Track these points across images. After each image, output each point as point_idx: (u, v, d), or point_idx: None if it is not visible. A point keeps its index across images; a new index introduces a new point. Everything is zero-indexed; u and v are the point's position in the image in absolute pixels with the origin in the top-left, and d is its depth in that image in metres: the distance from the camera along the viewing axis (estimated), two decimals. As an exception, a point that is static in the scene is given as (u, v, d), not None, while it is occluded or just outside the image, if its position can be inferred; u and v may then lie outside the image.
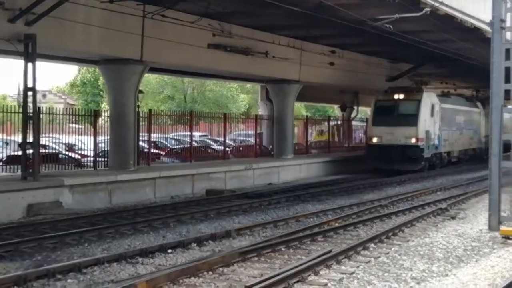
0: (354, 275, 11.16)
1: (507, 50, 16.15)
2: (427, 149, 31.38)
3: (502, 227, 15.40)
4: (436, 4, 19.20)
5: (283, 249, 13.25)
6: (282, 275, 10.42)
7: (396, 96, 32.79)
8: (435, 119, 33.91)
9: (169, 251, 13.00)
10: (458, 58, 33.47)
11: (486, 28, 17.00)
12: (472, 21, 20.05)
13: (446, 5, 19.44)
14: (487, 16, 16.83)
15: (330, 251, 12.55)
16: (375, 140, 32.35)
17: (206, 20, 22.94)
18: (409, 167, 30.54)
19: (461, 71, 43.26)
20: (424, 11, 19.17)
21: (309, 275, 10.92)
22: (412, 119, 31.54)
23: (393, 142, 30.91)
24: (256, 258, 12.38)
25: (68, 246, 13.52)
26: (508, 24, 16.35)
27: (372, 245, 13.73)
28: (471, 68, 38.37)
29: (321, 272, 11.21)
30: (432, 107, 33.43)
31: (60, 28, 18.22)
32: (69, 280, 10.65)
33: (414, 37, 25.00)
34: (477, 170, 36.59)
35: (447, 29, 23.82)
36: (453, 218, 18.07)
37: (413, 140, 30.65)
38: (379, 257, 12.67)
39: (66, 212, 18.03)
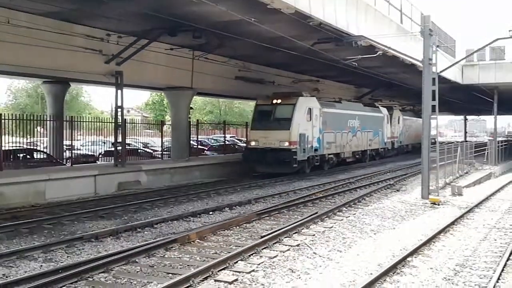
0: (332, 228, 11.22)
1: (433, 79, 16.25)
2: (301, 152, 21.48)
3: (430, 197, 15.47)
4: (386, 49, 19.13)
5: (285, 211, 13.28)
6: (285, 229, 10.51)
7: (274, 101, 22.64)
8: (313, 122, 22.90)
9: (210, 213, 13.08)
10: (401, 84, 32.62)
11: (419, 64, 16.94)
12: (410, 59, 19.92)
13: (392, 49, 19.34)
14: (420, 56, 16.76)
15: (316, 213, 12.59)
16: (253, 143, 22.22)
17: (234, 60, 23.07)
18: (282, 169, 21.32)
19: (403, 93, 39.09)
20: (377, 53, 19.11)
21: (303, 228, 11.00)
22: (285, 123, 21.62)
23: (268, 146, 21.39)
24: (267, 217, 12.44)
25: (144, 210, 13.58)
26: (433, 61, 16.36)
27: (344, 208, 13.73)
28: (409, 91, 33.80)
29: (310, 227, 11.29)
30: (310, 111, 22.68)
31: (138, 67, 18.28)
32: (145, 232, 10.78)
33: (371, 70, 24.82)
34: (412, 159, 32.46)
35: (393, 65, 23.70)
36: (397, 190, 18.02)
37: (286, 144, 21.16)
38: (349, 216, 12.69)
39: (143, 188, 18.15)
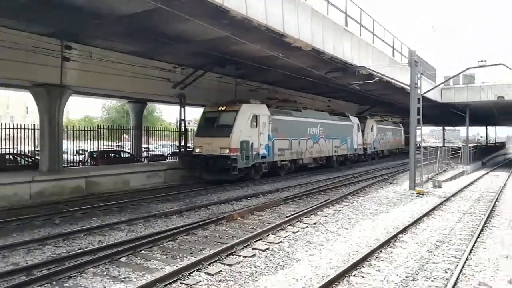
0: (340, 211, 11.04)
1: (418, 99, 15.84)
2: (242, 160, 15.98)
3: (416, 188, 15.05)
4: (381, 76, 18.77)
5: (304, 198, 13.14)
6: (305, 211, 10.42)
7: (220, 108, 17.11)
8: (261, 129, 17.13)
9: (249, 198, 13.04)
10: (393, 103, 32.07)
11: (407, 87, 16.54)
12: (400, 84, 19.48)
13: (386, 76, 18.97)
14: (408, 81, 16.38)
15: (328, 199, 12.43)
16: (197, 150, 16.73)
17: (266, 85, 23.00)
18: (223, 176, 15.86)
19: (395, 109, 37.59)
20: (374, 80, 18.76)
21: (318, 211, 10.86)
22: (227, 130, 16.13)
23: (210, 153, 16.04)
24: (291, 202, 12.33)
25: (200, 195, 13.59)
26: (418, 85, 15.97)
27: (350, 196, 13.51)
28: (400, 108, 32.14)
29: (324, 210, 11.13)
30: (256, 118, 16.99)
31: (196, 90, 18.40)
32: (201, 212, 10.82)
33: (370, 92, 24.34)
34: (402, 159, 30.93)
35: (387, 88, 23.13)
36: (391, 183, 17.61)
37: (227, 151, 15.78)
38: (353, 202, 12.45)
39: (199, 179, 18.08)
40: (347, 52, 17.47)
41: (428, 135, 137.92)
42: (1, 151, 16.51)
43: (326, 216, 10.35)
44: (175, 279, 5.84)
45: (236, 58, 15.76)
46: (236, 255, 7.03)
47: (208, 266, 6.41)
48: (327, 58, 16.29)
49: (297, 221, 9.55)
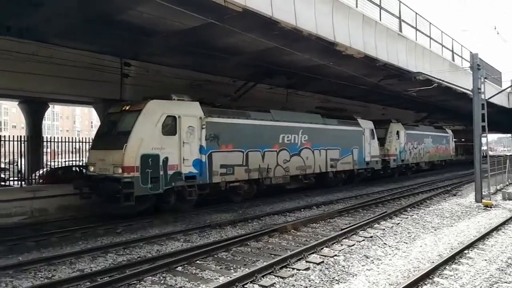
0: (399, 224, 10.58)
1: (482, 104, 14.88)
2: (144, 183, 10.35)
3: (483, 201, 14.05)
4: (440, 82, 17.94)
5: (360, 210, 12.76)
6: (360, 224, 10.10)
7: (124, 107, 11.54)
8: (186, 138, 11.48)
9: (302, 210, 12.87)
10: (453, 109, 30.37)
11: (470, 93, 15.62)
12: (462, 89, 18.47)
13: (446, 82, 18.08)
14: (470, 86, 15.51)
15: (385, 212, 11.99)
16: (91, 169, 11.11)
17: (317, 95, 22.87)
18: (117, 209, 10.59)
19: (456, 116, 35.01)
20: (433, 85, 17.96)
21: (375, 224, 10.49)
22: (122, 140, 10.45)
23: (103, 172, 10.63)
24: (346, 215, 12.03)
25: (254, 206, 13.49)
26: (482, 90, 15.05)
27: (409, 209, 12.93)
28: (461, 114, 29.69)
29: (381, 223, 10.73)
30: (173, 120, 11.30)
31: (247, 102, 18.62)
32: (254, 223, 10.87)
33: (428, 99, 23.33)
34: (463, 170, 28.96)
35: (446, 94, 22.07)
36: (454, 195, 16.63)
37: (119, 170, 10.15)
38: (413, 215, 11.88)
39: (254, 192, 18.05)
40: (402, 58, 16.94)
41: (496, 143, 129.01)
42: (69, 164, 17.71)
43: (384, 229, 9.96)
44: (229, 290, 5.89)
45: (286, 68, 15.83)
46: (289, 267, 6.95)
47: (262, 278, 6.39)
48: (380, 65, 15.92)
49: (352, 234, 9.28)
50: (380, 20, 16.11)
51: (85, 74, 13.19)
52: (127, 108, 11.48)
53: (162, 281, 6.31)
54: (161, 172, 10.92)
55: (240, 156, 13.35)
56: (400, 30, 17.52)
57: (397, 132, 23.89)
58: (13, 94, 16.64)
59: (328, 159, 17.43)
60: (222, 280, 6.26)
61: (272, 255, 7.65)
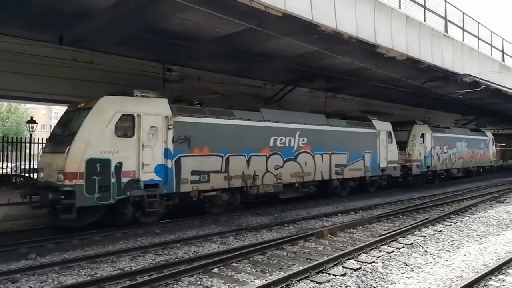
0: (441, 232, 10.14)
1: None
2: (90, 193, 8.83)
3: (536, 209, 13.20)
4: (488, 84, 17.08)
5: (400, 216, 12.34)
6: (400, 230, 9.77)
7: (79, 105, 9.94)
8: (144, 140, 9.78)
9: (339, 215, 12.65)
10: (503, 112, 28.62)
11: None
12: (512, 91, 17.53)
13: (495, 83, 17.21)
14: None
15: (427, 218, 11.52)
16: (41, 175, 9.78)
17: (358, 98, 22.46)
18: (56, 221, 9.19)
19: (507, 119, 32.72)
20: (480, 88, 17.15)
21: (415, 231, 10.11)
22: (66, 142, 9.03)
23: (49, 179, 9.23)
24: (385, 220, 11.67)
25: (289, 210, 13.41)
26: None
27: (452, 216, 12.35)
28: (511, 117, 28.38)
29: (422, 230, 10.32)
30: (130, 119, 9.66)
31: (287, 104, 18.59)
32: (290, 227, 10.79)
33: (475, 101, 22.25)
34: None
35: (496, 96, 20.98)
36: (502, 202, 15.71)
37: (62, 177, 8.62)
38: (457, 222, 11.35)
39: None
40: (447, 60, 16.32)
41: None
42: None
43: (425, 236, 9.60)
44: (264, 293, 5.91)
45: (326, 72, 15.70)
46: (325, 273, 6.86)
47: (297, 283, 6.36)
48: (424, 67, 15.43)
49: (391, 241, 9.01)
50: (425, 21, 15.62)
51: (131, 80, 13.69)
52: (82, 105, 9.90)
53: (199, 282, 6.43)
54: (113, 180, 9.29)
55: (218, 161, 11.43)
56: (446, 30, 16.89)
57: (422, 135, 21.04)
58: (70, 100, 17.51)
59: (333, 165, 15.10)
60: (258, 283, 6.29)
61: (308, 260, 7.59)
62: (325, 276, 6.70)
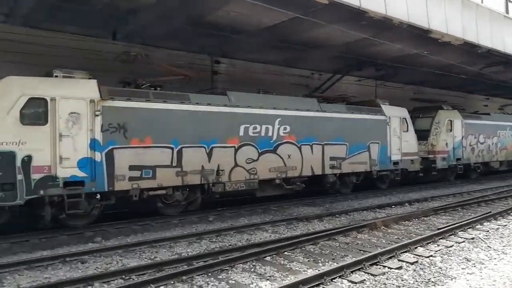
0: (506, 226, 9.48)
1: None
2: None
3: None
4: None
5: (459, 209, 11.70)
6: (460, 224, 9.26)
7: None
8: (62, 128, 8.18)
9: (393, 206, 12.25)
10: None
11: None
12: None
13: None
14: None
15: (489, 212, 10.82)
16: None
17: (409, 86, 21.52)
18: None
19: None
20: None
21: (477, 225, 9.54)
22: None
23: None
24: (443, 213, 11.12)
25: (339, 201, 13.17)
26: None
27: (516, 210, 11.56)
28: None
29: (484, 224, 9.72)
30: (39, 105, 8.02)
31: (337, 93, 17.88)
32: (341, 218, 10.64)
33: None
34: None
35: None
36: None
37: None
38: (522, 217, 10.62)
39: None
40: (508, 43, 15.22)
41: None
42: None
43: (488, 231, 9.03)
44: (317, 283, 5.83)
45: (375, 59, 15.19)
46: (380, 265, 6.65)
47: (351, 274, 6.22)
48: (483, 52, 14.51)
49: (450, 235, 8.58)
50: (482, 2, 14.64)
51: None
52: None
53: (252, 269, 6.48)
54: (19, 176, 7.81)
55: (167, 154, 9.64)
56: (507, 11, 15.72)
57: (450, 122, 17.53)
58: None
59: (327, 158, 12.81)
60: (311, 272, 6.23)
61: (362, 251, 7.42)
62: (379, 268, 6.51)
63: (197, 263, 6.65)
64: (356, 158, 13.61)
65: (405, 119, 15.32)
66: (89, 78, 8.90)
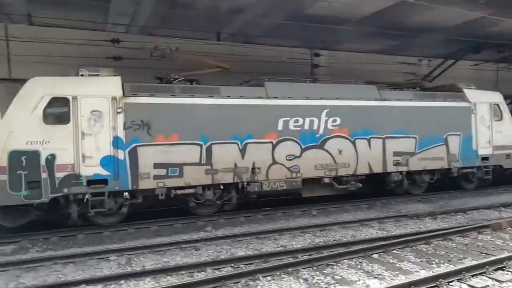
0: None
1: None
2: (14, 190, 7.79)
3: None
4: None
5: None
6: None
7: None
8: (84, 127, 8.32)
9: (522, 206, 10.75)
10: None
11: None
12: None
13: None
14: None
15: None
16: None
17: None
18: None
19: None
20: None
21: None
22: None
23: None
24: None
25: (455, 198, 12.00)
26: None
27: None
28: None
29: None
30: (63, 103, 8.26)
31: (450, 80, 15.94)
32: (458, 216, 9.75)
33: None
34: None
35: None
36: None
37: None
38: None
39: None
40: None
41: None
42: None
43: None
44: (431, 285, 5.44)
45: (496, 40, 13.50)
46: (507, 270, 5.94)
47: (471, 278, 5.67)
48: None
49: None
50: None
51: (282, 68, 14.09)
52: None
53: (359, 266, 6.31)
54: (44, 175, 8.00)
55: (195, 151, 9.14)
56: None
57: None
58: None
59: (389, 153, 11.13)
60: (424, 273, 5.84)
61: (484, 254, 6.71)
62: (506, 274, 5.82)
63: (302, 256, 6.71)
64: (429, 153, 11.67)
65: (498, 105, 12.74)
66: (114, 76, 8.82)
